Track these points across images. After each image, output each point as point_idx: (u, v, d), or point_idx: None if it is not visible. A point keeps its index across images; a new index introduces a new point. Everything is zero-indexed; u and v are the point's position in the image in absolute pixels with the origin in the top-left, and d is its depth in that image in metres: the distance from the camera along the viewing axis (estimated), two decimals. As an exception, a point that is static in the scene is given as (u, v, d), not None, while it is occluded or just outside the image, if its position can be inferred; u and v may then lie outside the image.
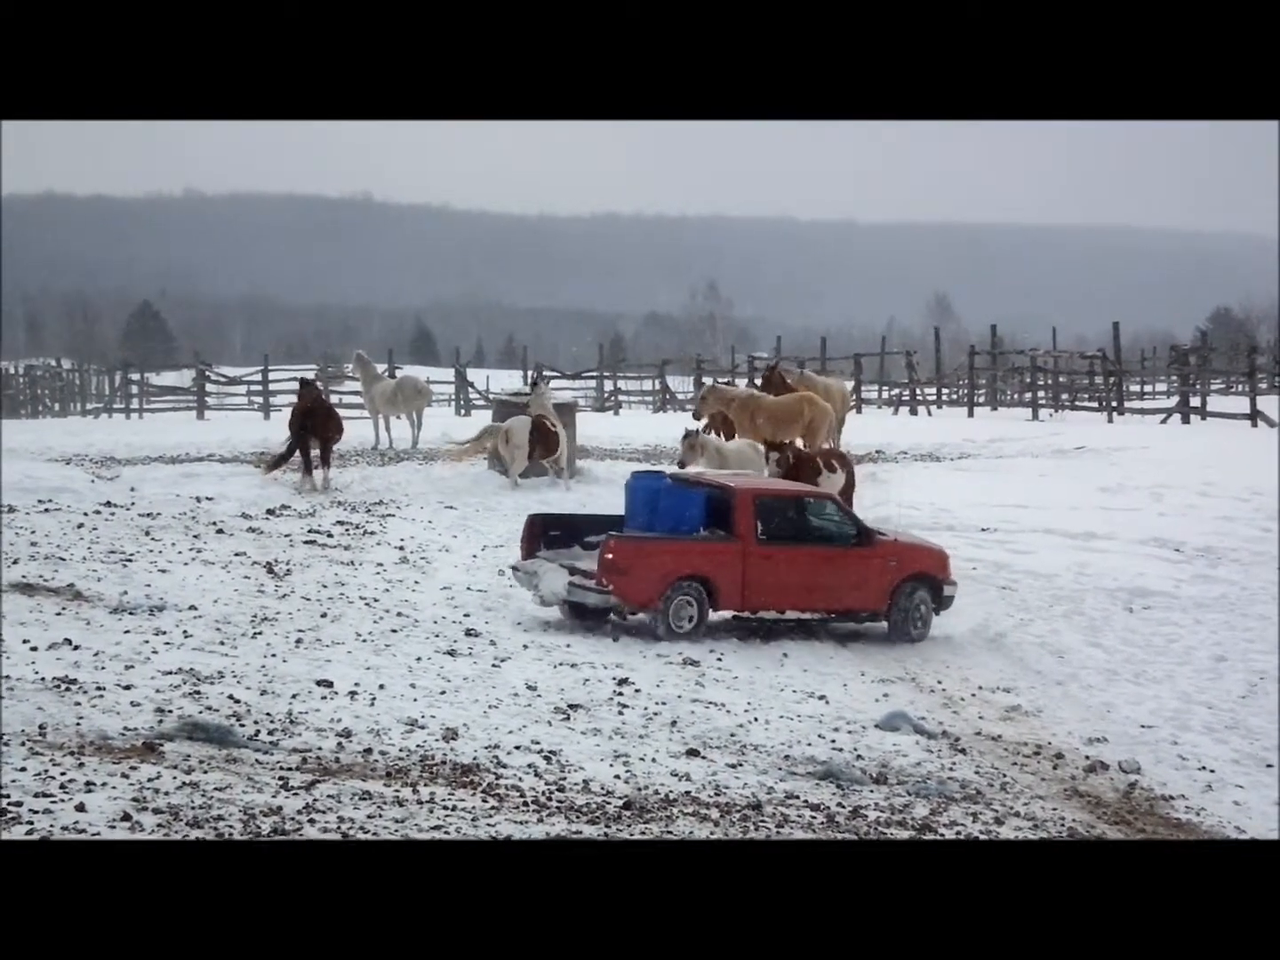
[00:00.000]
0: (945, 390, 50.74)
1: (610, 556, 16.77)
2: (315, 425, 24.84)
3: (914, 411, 46.00)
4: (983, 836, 11.21)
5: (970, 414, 43.65)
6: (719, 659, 16.08)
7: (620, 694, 14.23)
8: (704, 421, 26.46)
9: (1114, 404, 41.78)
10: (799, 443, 23.79)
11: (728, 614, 17.34)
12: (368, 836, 9.40)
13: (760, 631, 17.28)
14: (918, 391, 47.72)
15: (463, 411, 51.21)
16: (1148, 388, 55.92)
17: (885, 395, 51.15)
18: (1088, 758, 13.79)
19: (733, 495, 17.34)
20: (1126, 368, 47.78)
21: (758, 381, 31.78)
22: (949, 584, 17.86)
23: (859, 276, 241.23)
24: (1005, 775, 13.05)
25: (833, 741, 13.45)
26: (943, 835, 11.14)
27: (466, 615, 16.96)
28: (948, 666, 16.71)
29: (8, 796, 9.27)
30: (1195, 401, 40.37)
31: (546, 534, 17.96)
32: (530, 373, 53.14)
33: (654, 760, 12.24)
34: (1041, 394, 45.05)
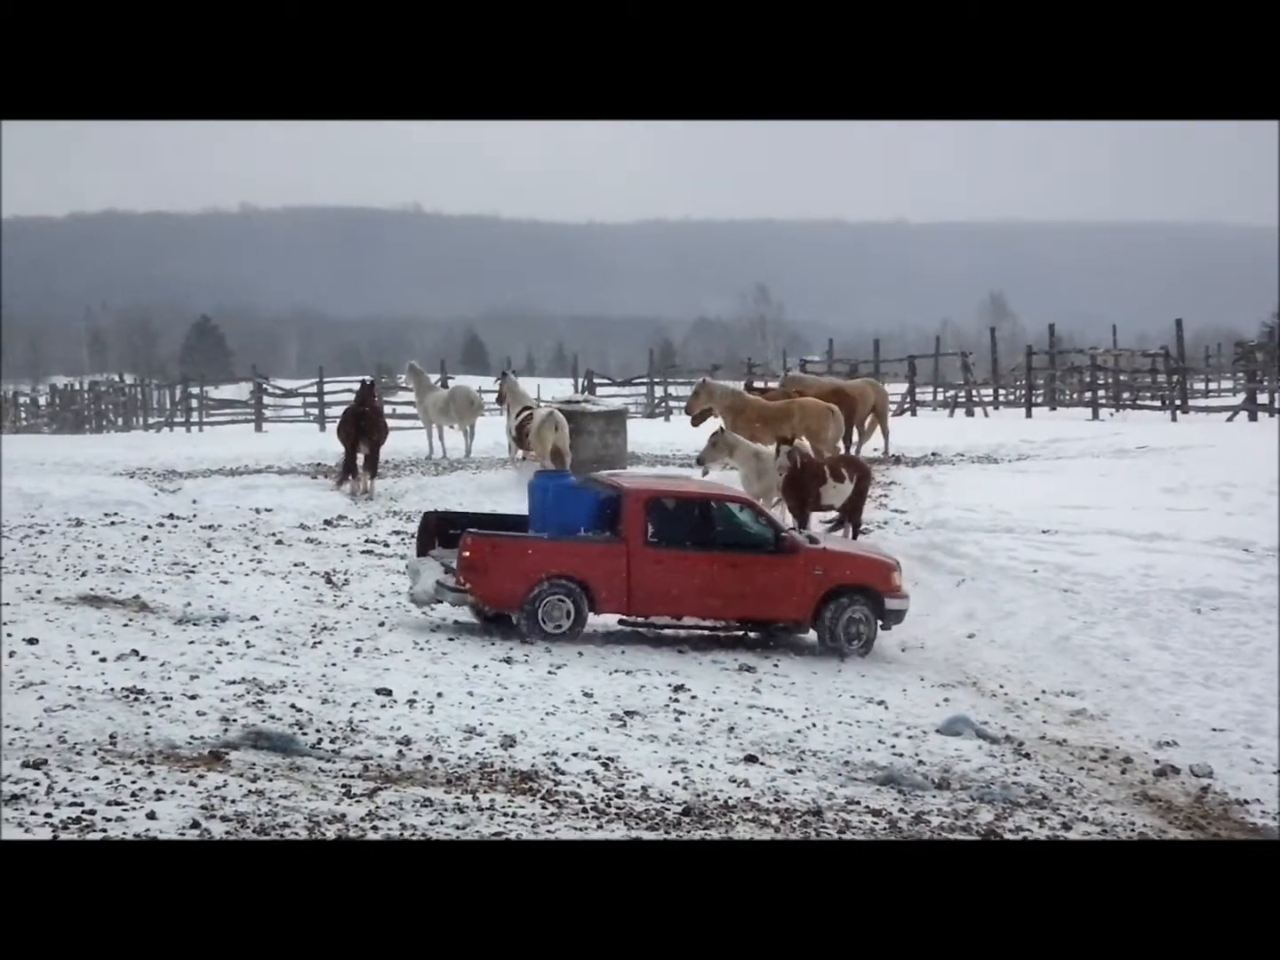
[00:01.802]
0: (1002, 391, 50.33)
1: (467, 554, 16.42)
2: (366, 428, 25.02)
3: (970, 413, 45.70)
4: (1049, 842, 11.13)
5: (1028, 415, 43.30)
6: (775, 665, 16.06)
7: (676, 700, 14.23)
8: (694, 415, 26.17)
9: (1178, 402, 41.29)
10: (806, 447, 23.12)
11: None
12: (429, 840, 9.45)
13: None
14: (974, 393, 47.41)
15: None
16: (1213, 385, 55.21)
17: (940, 397, 50.86)
18: (1157, 762, 13.65)
19: (622, 495, 16.87)
20: (1190, 365, 47.26)
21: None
22: (893, 597, 17.01)
23: (912, 278, 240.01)
24: (1072, 780, 12.95)
25: (893, 747, 13.39)
26: (1009, 841, 11.06)
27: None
28: (1009, 670, 16.60)
29: (82, 805, 9.41)
30: (1263, 399, 39.82)
31: (443, 531, 17.49)
32: (580, 380, 53.19)
33: (712, 766, 12.24)
34: (1102, 393, 44.64)
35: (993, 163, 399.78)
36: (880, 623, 16.97)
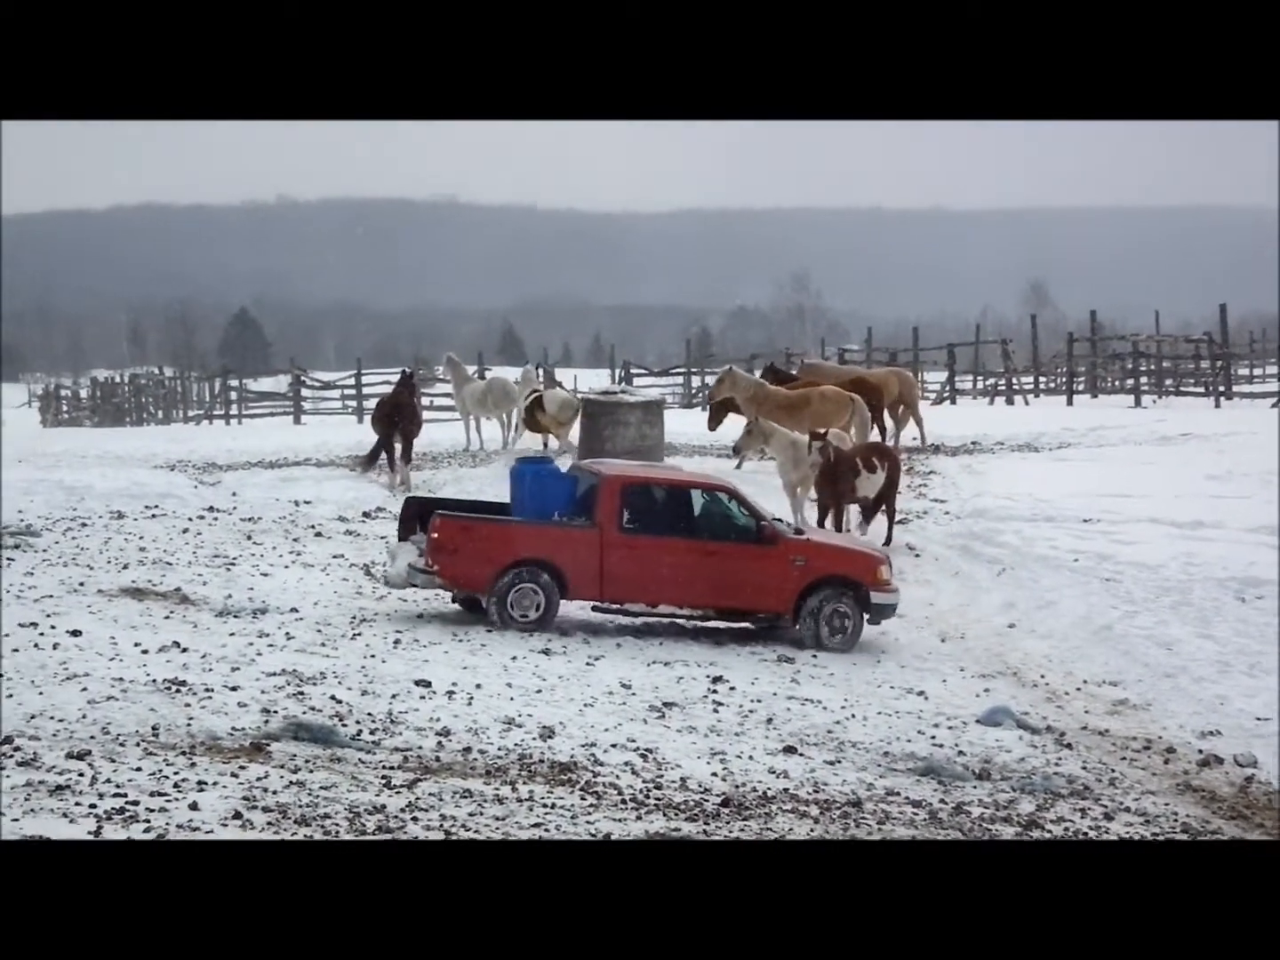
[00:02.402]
0: (1043, 379, 50.04)
1: (436, 536, 16.33)
2: (401, 418, 25.05)
3: (1010, 401, 45.44)
4: (1091, 833, 11.08)
5: (1069, 402, 43.04)
6: (814, 656, 16.02)
7: (715, 692, 14.22)
8: (714, 405, 26.08)
9: (1221, 389, 40.98)
10: (845, 439, 22.88)
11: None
12: (469, 835, 9.47)
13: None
14: (1014, 380, 47.16)
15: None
16: (1257, 371, 54.73)
17: (980, 385, 50.62)
18: (1201, 752, 13.54)
19: (599, 481, 16.72)
20: (1234, 351, 46.88)
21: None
22: (881, 591, 16.58)
23: (952, 265, 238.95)
24: (1114, 770, 12.87)
25: (933, 737, 13.34)
26: (1050, 832, 11.02)
27: (560, 615, 17.00)
28: (1050, 660, 16.51)
29: (125, 796, 9.47)
30: (1308, 384, 39.49)
31: (424, 517, 17.22)
32: (617, 370, 53.17)
33: (751, 758, 12.22)
34: (1144, 380, 44.33)
35: (1032, 148, 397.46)
36: (867, 617, 16.61)
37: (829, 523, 20.31)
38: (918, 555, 20.60)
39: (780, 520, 17.74)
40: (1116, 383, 48.04)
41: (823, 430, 21.38)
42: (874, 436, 25.33)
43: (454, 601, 17.13)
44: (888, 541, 20.68)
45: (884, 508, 20.81)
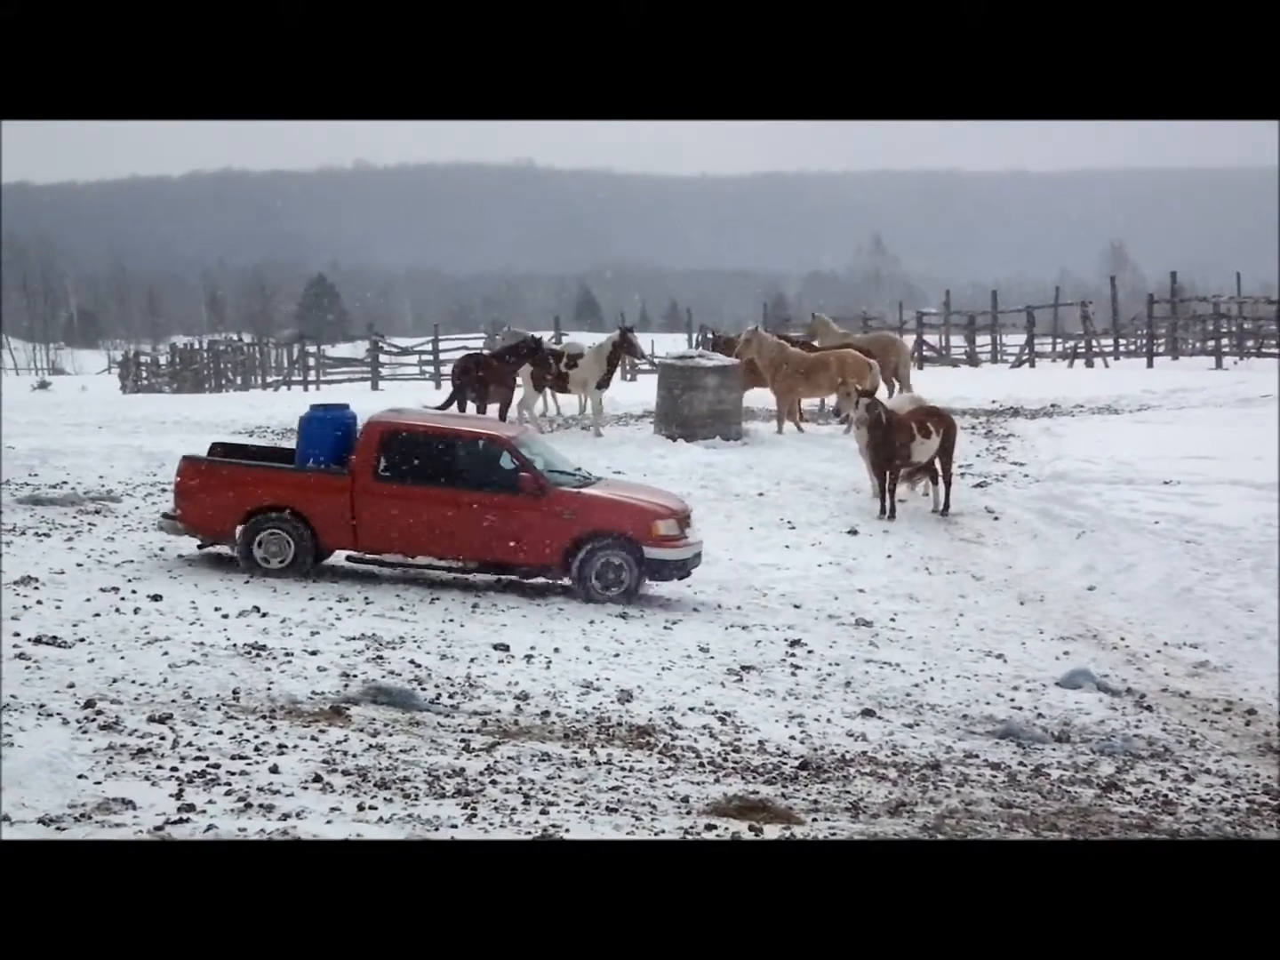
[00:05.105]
0: (1122, 341, 49.44)
1: (179, 480, 16.15)
2: (473, 380, 24.84)
3: (1089, 364, 44.91)
4: (1171, 795, 10.98)
5: (1149, 364, 42.53)
6: (892, 619, 15.95)
7: (793, 655, 14.20)
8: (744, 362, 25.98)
9: (1303, 349, 40.34)
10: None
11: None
12: (548, 798, 9.51)
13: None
14: (1093, 343, 46.59)
15: (628, 377, 51.36)
16: (1342, 330, 53.77)
17: (1059, 348, 50.07)
18: (1282, 713, 13.41)
19: (359, 427, 16.32)
20: (1316, 311, 46.04)
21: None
22: (655, 545, 15.89)
23: (1030, 227, 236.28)
24: (1194, 732, 12.76)
25: (1012, 700, 13.27)
26: (1130, 794, 10.93)
27: (639, 578, 17.03)
28: (1130, 623, 16.36)
29: (206, 759, 9.59)
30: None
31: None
32: (695, 335, 53.02)
33: (829, 720, 12.20)
34: (1225, 342, 43.70)
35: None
36: (643, 571, 15.92)
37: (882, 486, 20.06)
38: (996, 518, 20.45)
39: (582, 471, 17.10)
40: (1197, 344, 47.40)
41: (870, 388, 21.12)
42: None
43: (200, 549, 16.68)
44: (945, 509, 20.48)
45: (941, 474, 20.51)
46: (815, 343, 29.48)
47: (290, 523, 16.05)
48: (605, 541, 15.94)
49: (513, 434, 16.98)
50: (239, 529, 16.04)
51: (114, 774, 9.14)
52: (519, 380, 25.78)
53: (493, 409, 25.11)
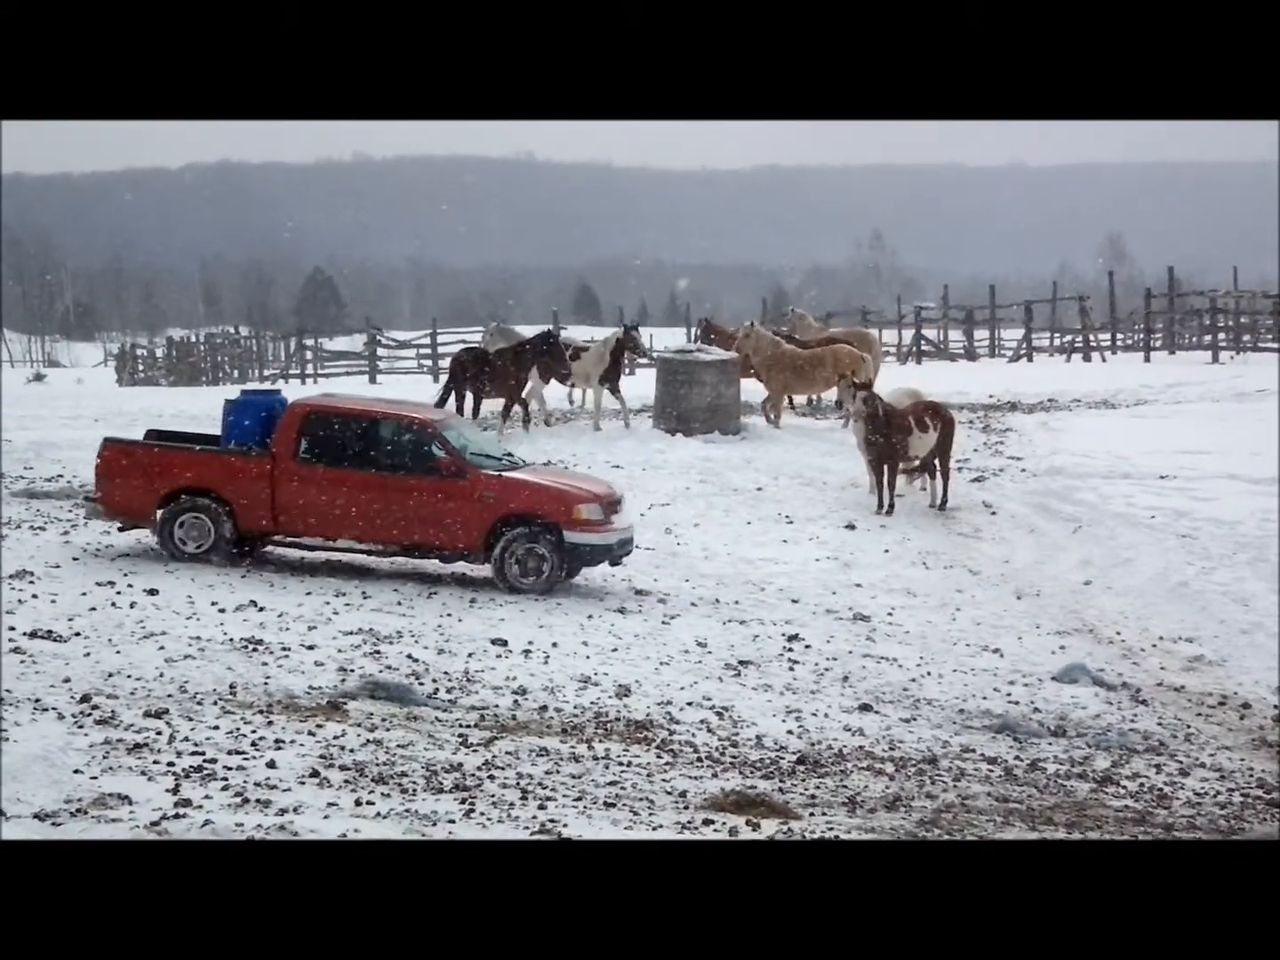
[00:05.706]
0: (1120, 335, 49.47)
1: (99, 463, 16.05)
2: (470, 374, 24.64)
3: (1087, 358, 44.94)
4: (1166, 788, 11.00)
5: (1147, 359, 42.56)
6: (889, 614, 15.97)
7: (790, 650, 14.22)
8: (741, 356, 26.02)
9: (1300, 344, 40.33)
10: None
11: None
12: (545, 793, 9.52)
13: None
14: (1091, 337, 46.60)
15: (628, 371, 51.27)
16: (1338, 326, 53.76)
17: (1057, 342, 50.08)
18: (1276, 707, 13.45)
19: (282, 409, 16.22)
20: (1314, 306, 46.03)
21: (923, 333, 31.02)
22: (575, 530, 15.59)
23: (1029, 222, 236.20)
24: (1189, 726, 12.79)
25: (1008, 695, 13.30)
26: (1125, 788, 10.96)
27: (635, 573, 17.05)
28: (1126, 617, 16.38)
29: (203, 754, 9.59)
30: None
31: None
32: (693, 329, 52.96)
33: (826, 715, 12.22)
34: (1222, 336, 43.71)
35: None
36: (564, 558, 15.70)
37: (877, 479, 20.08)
38: (994, 512, 20.47)
39: (511, 457, 16.94)
40: (1194, 339, 47.39)
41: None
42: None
43: (120, 531, 16.62)
44: (943, 504, 20.48)
45: (939, 468, 20.50)
46: (796, 337, 29.53)
47: (209, 507, 15.90)
48: (527, 526, 15.71)
49: (437, 417, 16.90)
50: (158, 512, 15.93)
51: (110, 769, 9.14)
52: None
53: (494, 404, 25.06)
